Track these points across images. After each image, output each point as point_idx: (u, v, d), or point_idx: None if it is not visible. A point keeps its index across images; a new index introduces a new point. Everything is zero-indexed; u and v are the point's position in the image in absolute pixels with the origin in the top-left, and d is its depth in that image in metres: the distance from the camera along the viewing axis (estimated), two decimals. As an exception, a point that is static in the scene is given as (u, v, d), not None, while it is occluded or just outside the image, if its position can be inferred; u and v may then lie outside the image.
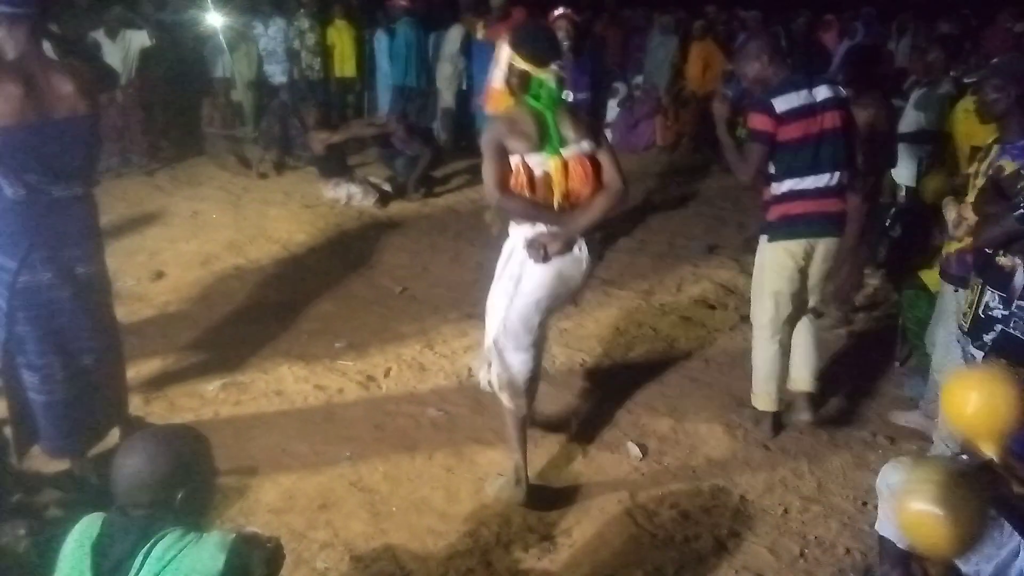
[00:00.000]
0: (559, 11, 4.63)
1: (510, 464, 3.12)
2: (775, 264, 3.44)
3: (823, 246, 3.42)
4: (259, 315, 4.79)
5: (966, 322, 2.86)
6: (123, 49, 7.34)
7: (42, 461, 3.15)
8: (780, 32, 10.22)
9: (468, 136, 8.60)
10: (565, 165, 2.76)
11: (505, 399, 3.03)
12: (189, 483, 1.69)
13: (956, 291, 3.23)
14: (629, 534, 2.99)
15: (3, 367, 3.04)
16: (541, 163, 2.74)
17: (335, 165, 7.17)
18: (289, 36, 8.93)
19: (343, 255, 5.85)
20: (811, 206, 3.35)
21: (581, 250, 2.86)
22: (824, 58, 8.86)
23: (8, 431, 3.08)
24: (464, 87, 8.65)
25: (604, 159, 2.85)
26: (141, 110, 7.84)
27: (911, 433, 3.67)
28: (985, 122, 3.10)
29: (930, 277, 3.83)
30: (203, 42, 8.63)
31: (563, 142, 2.76)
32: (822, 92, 3.31)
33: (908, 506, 1.91)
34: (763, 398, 3.61)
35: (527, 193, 2.76)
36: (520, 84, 2.81)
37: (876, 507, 2.72)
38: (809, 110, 3.27)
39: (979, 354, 2.79)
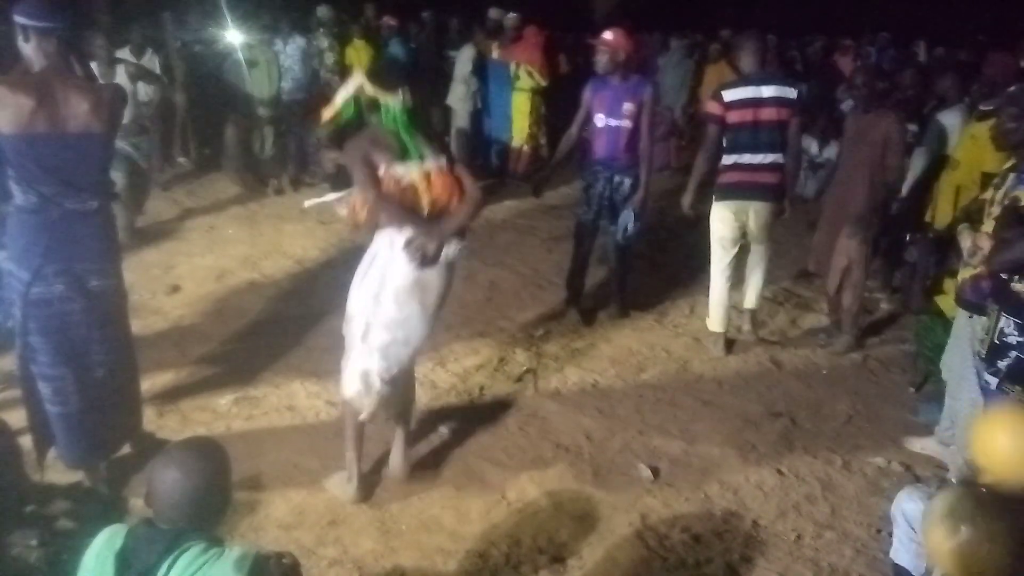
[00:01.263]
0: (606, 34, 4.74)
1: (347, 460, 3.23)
2: (718, 217, 4.52)
3: (754, 208, 4.37)
4: (272, 330, 4.81)
5: (983, 348, 2.84)
6: (150, 66, 7.42)
7: (54, 472, 3.16)
8: (797, 56, 10.28)
9: (483, 155, 8.68)
10: (428, 176, 2.99)
11: (351, 392, 3.11)
12: (230, 495, 1.76)
13: (971, 317, 3.21)
14: (640, 557, 2.97)
15: (20, 376, 3.07)
16: (405, 173, 2.97)
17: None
18: (308, 54, 9.02)
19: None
20: (746, 176, 4.30)
21: (447, 257, 3.06)
22: (839, 80, 8.87)
23: (28, 440, 3.09)
24: (478, 106, 8.71)
25: (460, 172, 3.10)
26: (163, 124, 7.93)
27: (926, 460, 3.64)
28: (1001, 150, 3.09)
29: (946, 303, 3.81)
30: (223, 59, 8.74)
31: (422, 156, 2.99)
32: (768, 91, 4.18)
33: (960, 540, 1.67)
34: (715, 320, 4.66)
35: (395, 200, 2.98)
36: (370, 108, 3.07)
37: (891, 534, 2.70)
38: (752, 102, 4.15)
39: (993, 380, 2.77)
